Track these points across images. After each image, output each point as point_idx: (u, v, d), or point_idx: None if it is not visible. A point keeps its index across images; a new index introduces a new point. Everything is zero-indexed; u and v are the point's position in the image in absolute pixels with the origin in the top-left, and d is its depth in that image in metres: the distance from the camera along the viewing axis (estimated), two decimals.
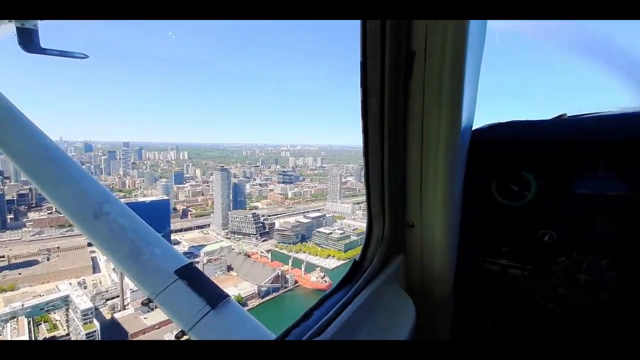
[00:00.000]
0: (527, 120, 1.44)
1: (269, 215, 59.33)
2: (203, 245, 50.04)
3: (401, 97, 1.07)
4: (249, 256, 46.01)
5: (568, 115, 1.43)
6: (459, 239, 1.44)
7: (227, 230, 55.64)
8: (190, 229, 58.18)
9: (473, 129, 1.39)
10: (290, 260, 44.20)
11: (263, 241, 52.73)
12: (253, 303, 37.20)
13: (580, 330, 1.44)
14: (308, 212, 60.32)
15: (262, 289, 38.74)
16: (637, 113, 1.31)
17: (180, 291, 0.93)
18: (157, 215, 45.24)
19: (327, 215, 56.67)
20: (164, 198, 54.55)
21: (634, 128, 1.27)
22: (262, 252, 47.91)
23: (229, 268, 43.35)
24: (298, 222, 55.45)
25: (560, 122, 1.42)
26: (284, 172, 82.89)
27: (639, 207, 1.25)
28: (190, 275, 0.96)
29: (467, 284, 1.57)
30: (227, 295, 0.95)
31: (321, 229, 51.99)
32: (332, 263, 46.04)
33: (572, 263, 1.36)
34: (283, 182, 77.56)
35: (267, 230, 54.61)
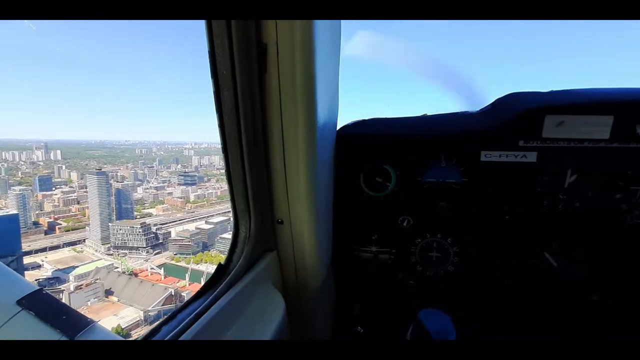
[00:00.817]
0: (389, 118, 1.59)
1: (164, 224, 52.12)
2: (75, 267, 40.88)
3: (257, 91, 1.00)
4: (135, 275, 39.13)
5: (428, 114, 1.59)
6: (332, 232, 1.52)
7: (109, 245, 46.89)
8: (58, 247, 47.36)
9: (339, 125, 1.50)
10: (187, 274, 38.99)
11: (156, 254, 45.83)
12: (139, 333, 31.25)
13: (434, 300, 1.65)
14: (211, 216, 55.02)
15: (150, 314, 32.80)
16: (471, 112, 1.53)
17: (26, 324, 0.73)
18: (1, 236, 34.86)
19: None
20: (11, 212, 42.73)
21: (468, 124, 1.47)
22: (153, 268, 41.41)
23: (108, 293, 35.99)
24: (199, 228, 49.92)
25: (418, 120, 1.56)
26: (185, 172, 74.95)
27: (468, 192, 1.51)
28: (39, 304, 0.76)
29: (343, 274, 1.72)
30: (90, 322, 0.77)
31: (225, 235, 47.54)
32: None
33: (426, 243, 1.63)
34: (185, 184, 69.87)
35: (160, 241, 47.65)
